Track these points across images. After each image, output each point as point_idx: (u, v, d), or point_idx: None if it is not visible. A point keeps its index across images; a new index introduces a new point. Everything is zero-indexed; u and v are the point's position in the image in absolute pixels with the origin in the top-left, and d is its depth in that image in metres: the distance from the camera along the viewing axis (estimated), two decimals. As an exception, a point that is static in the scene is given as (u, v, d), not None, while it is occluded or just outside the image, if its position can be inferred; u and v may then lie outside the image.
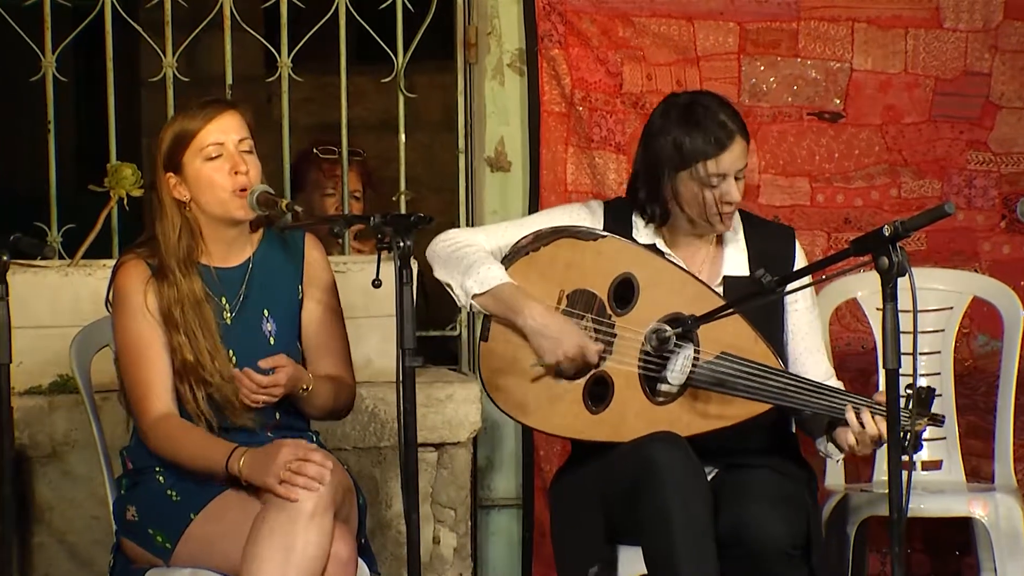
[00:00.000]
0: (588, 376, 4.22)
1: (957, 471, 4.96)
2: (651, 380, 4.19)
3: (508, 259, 4.30)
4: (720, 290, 4.28)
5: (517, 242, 4.31)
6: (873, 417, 4.10)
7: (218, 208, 4.14)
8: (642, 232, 4.32)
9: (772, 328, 4.27)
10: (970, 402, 5.22)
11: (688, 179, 4.20)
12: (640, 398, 4.19)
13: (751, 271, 4.26)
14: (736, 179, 4.22)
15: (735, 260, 4.33)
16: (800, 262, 4.34)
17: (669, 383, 4.19)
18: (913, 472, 3.96)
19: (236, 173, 4.11)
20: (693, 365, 4.15)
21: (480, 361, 4.30)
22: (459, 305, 4.33)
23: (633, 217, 4.33)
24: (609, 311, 4.22)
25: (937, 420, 4.19)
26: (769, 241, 4.36)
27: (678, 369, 4.17)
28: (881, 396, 4.12)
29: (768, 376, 4.13)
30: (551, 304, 4.24)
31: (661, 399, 4.19)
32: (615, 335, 4.21)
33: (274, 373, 4.06)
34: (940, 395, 4.88)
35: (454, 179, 5.43)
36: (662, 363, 4.18)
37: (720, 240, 4.35)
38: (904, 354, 3.76)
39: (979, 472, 5.09)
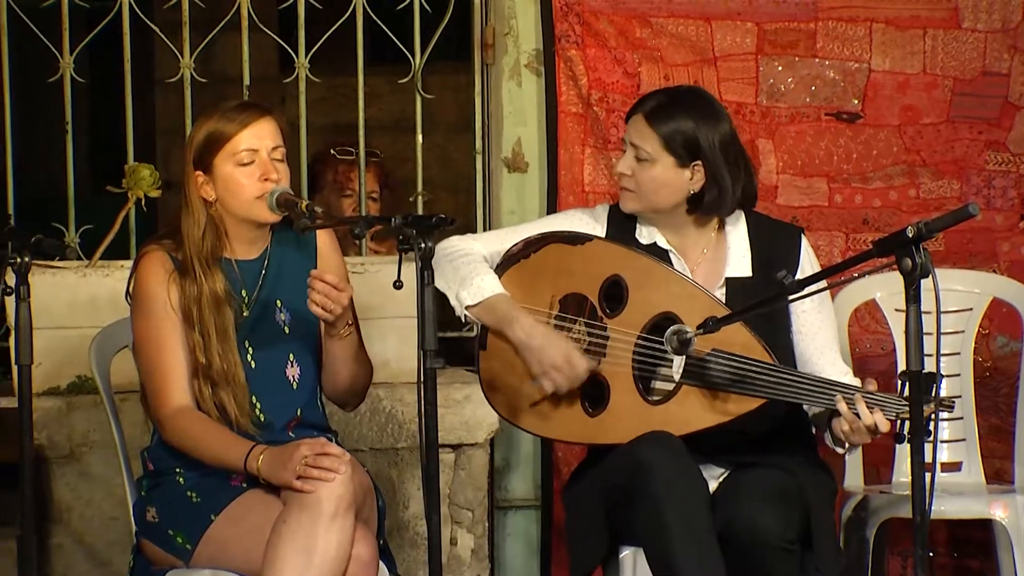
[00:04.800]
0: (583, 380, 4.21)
1: (977, 472, 4.94)
2: (645, 380, 4.18)
3: (500, 267, 4.30)
4: (722, 292, 4.26)
5: (509, 249, 4.31)
6: (868, 408, 4.07)
7: (244, 212, 4.13)
8: (643, 231, 4.32)
9: (776, 331, 4.24)
10: (992, 404, 5.20)
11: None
12: (635, 399, 4.18)
13: (754, 272, 4.26)
14: (639, 159, 4.22)
15: (738, 261, 4.30)
16: (806, 259, 4.31)
17: (663, 382, 4.18)
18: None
19: (266, 180, 4.11)
20: (686, 363, 4.14)
21: (479, 369, 4.29)
22: (457, 315, 4.31)
23: (637, 216, 4.33)
24: (600, 314, 4.21)
25: (946, 404, 4.13)
26: (773, 240, 4.33)
27: (672, 368, 4.16)
28: (872, 385, 4.10)
29: (760, 371, 4.10)
30: (544, 310, 4.24)
31: (656, 398, 4.18)
32: (608, 337, 4.19)
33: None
34: (960, 396, 4.88)
35: (469, 180, 5.43)
36: (655, 363, 4.17)
37: (723, 238, 4.33)
38: (925, 356, 3.74)
39: (1003, 474, 5.07)
